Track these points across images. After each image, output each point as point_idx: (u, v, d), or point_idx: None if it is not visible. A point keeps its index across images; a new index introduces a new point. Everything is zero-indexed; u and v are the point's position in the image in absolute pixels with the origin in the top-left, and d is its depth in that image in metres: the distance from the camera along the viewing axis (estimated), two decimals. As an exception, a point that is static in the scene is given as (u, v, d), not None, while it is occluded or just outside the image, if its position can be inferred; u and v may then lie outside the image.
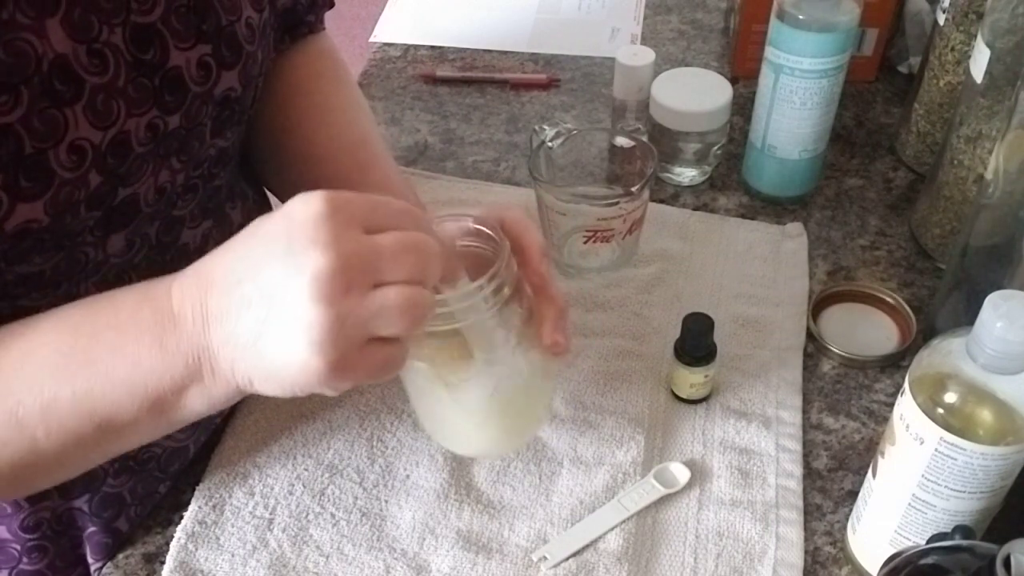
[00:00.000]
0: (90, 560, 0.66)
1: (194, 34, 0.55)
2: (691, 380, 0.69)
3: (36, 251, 0.51)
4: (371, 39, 1.11)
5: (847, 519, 0.62)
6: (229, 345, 0.45)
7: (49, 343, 0.47)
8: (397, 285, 0.44)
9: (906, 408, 0.52)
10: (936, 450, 0.50)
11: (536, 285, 0.56)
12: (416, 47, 1.10)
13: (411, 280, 0.44)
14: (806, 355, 0.74)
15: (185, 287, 0.46)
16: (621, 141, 0.81)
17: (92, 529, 0.65)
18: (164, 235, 0.60)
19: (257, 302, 0.44)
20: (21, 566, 0.64)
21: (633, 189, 0.75)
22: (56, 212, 0.50)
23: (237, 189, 0.69)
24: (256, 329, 0.44)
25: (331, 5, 0.76)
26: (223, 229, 0.66)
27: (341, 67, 0.76)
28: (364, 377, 0.45)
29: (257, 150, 0.73)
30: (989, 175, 0.66)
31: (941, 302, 0.73)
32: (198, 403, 0.48)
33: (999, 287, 0.49)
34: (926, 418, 0.50)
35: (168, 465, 0.67)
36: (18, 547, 0.63)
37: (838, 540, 0.63)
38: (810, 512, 0.65)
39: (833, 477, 0.67)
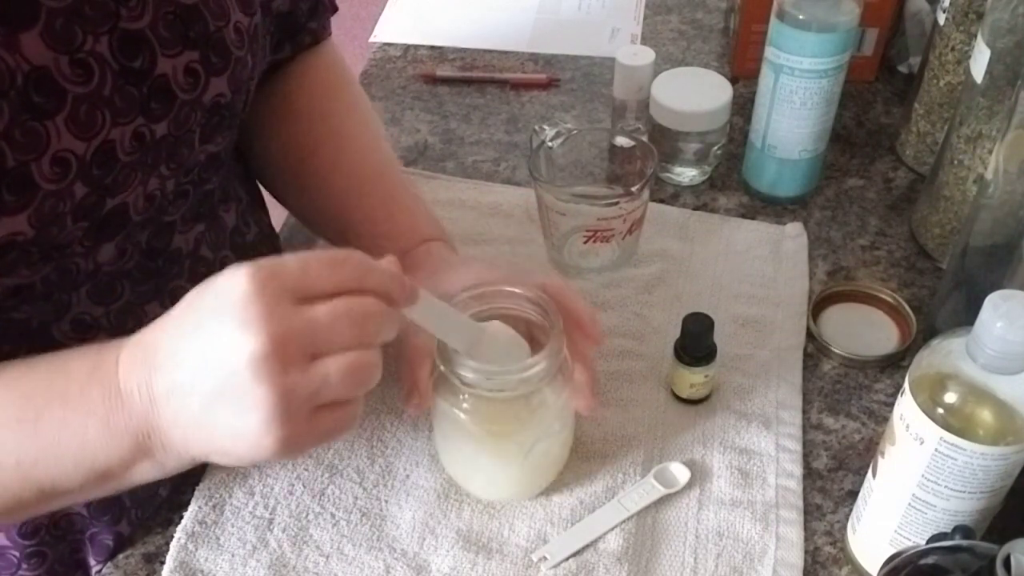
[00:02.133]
0: (92, 562, 0.66)
1: (181, 41, 0.54)
2: (691, 380, 0.69)
3: (23, 263, 0.51)
4: (371, 39, 1.11)
5: (847, 519, 0.62)
6: (179, 426, 0.45)
7: None
8: (337, 355, 0.44)
9: (906, 408, 0.52)
10: (936, 450, 0.50)
11: (581, 353, 0.59)
12: (416, 47, 1.10)
13: (351, 347, 0.44)
14: (806, 355, 0.74)
15: (132, 365, 0.46)
16: (621, 141, 0.81)
17: (94, 530, 0.65)
18: (155, 241, 0.59)
19: (200, 384, 0.44)
20: (20, 572, 0.64)
21: (633, 189, 0.75)
22: (41, 224, 0.49)
23: (230, 191, 0.69)
24: (203, 410, 0.44)
25: (335, 9, 0.76)
26: (216, 232, 0.66)
27: (349, 80, 0.76)
28: (316, 443, 0.46)
29: (271, 171, 0.72)
30: (989, 175, 0.66)
31: (941, 302, 0.73)
32: (149, 474, 0.48)
33: (999, 287, 0.49)
34: (926, 418, 0.50)
35: None
36: (17, 553, 0.63)
37: (838, 540, 0.63)
38: (810, 512, 0.65)
39: (833, 477, 0.67)
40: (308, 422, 0.44)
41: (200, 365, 0.44)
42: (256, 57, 0.62)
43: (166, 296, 0.60)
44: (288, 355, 0.43)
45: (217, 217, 0.66)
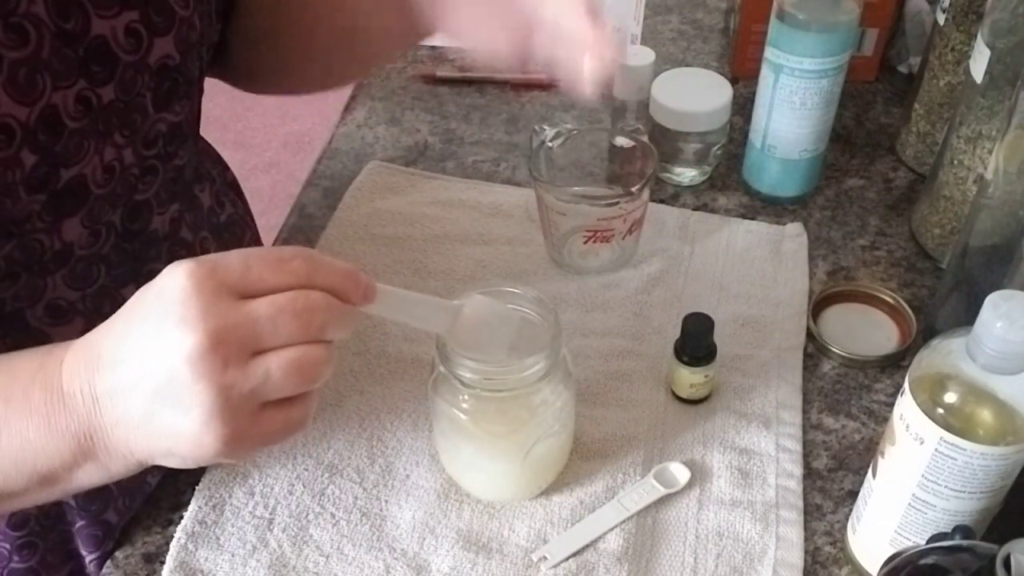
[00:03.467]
0: (83, 552, 0.66)
1: (118, 1, 0.53)
2: (691, 380, 0.69)
3: None
4: (371, 39, 1.11)
5: (847, 519, 0.62)
6: (121, 426, 0.45)
7: None
8: (280, 350, 0.43)
9: (906, 408, 0.52)
10: (936, 450, 0.50)
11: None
12: (416, 47, 1.10)
13: (296, 341, 0.44)
14: (806, 355, 0.74)
15: (75, 365, 0.45)
16: (621, 141, 0.81)
17: (81, 523, 0.65)
18: (130, 222, 0.58)
19: (141, 383, 0.43)
20: (12, 564, 0.64)
21: (633, 189, 0.75)
22: None
23: (203, 171, 0.68)
24: (145, 409, 0.44)
25: None
26: (194, 213, 0.65)
27: None
28: (263, 443, 0.45)
29: (257, 47, 0.69)
30: (989, 175, 0.66)
31: (941, 302, 0.73)
32: (95, 477, 0.48)
33: (999, 287, 0.49)
34: (926, 418, 0.50)
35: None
36: (7, 545, 0.63)
37: (838, 540, 0.63)
38: (810, 512, 0.65)
39: (833, 477, 0.67)
40: (252, 420, 0.44)
41: (140, 363, 0.43)
42: (206, 19, 0.60)
43: (143, 279, 0.60)
44: (227, 351, 0.42)
45: (193, 197, 0.65)
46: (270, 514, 0.64)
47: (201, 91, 0.65)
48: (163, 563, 0.62)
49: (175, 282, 0.43)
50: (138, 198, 0.59)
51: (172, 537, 0.63)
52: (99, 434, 0.45)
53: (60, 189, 0.52)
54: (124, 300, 0.58)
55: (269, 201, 0.74)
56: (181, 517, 0.64)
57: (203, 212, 0.66)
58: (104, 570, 0.63)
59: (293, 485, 0.66)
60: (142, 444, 0.45)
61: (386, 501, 0.65)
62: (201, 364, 0.42)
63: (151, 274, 0.59)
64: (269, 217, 0.81)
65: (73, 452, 0.46)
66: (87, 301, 0.57)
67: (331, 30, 0.66)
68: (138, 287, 0.59)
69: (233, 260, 0.44)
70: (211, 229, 0.66)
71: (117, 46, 0.53)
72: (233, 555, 0.62)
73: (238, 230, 0.71)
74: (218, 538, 0.63)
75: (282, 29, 0.68)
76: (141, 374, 0.43)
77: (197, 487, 0.66)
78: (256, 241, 0.76)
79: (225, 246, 0.68)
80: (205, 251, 0.65)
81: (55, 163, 0.51)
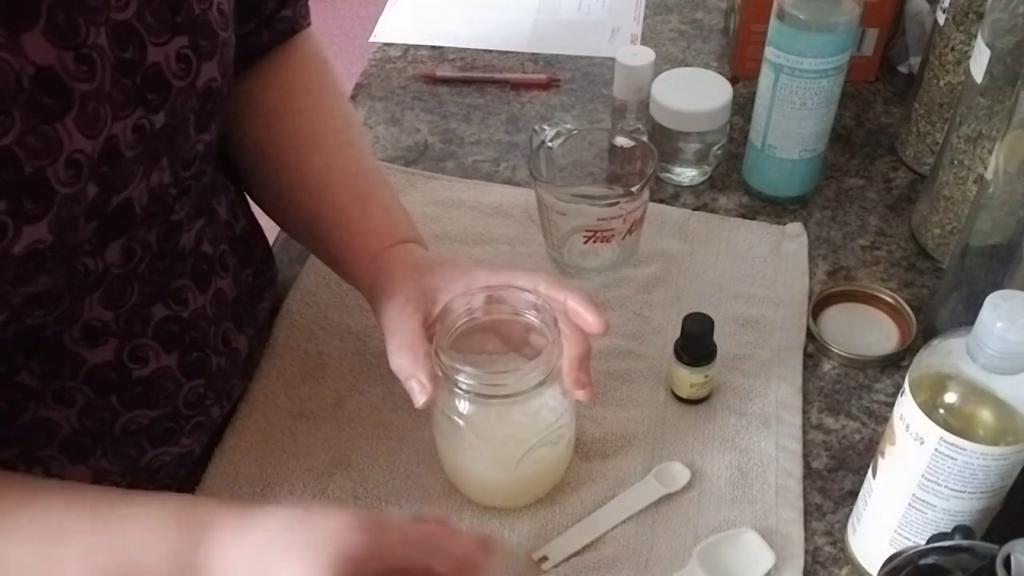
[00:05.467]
0: None
1: (169, 27, 0.53)
2: (691, 380, 0.69)
3: (41, 270, 0.50)
4: (371, 39, 1.11)
5: (847, 519, 0.63)
6: None
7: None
8: None
9: (906, 408, 0.52)
10: (936, 450, 0.50)
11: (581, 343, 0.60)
12: (416, 47, 1.10)
13: None
14: (806, 355, 0.74)
15: None
16: (621, 141, 0.81)
17: None
18: (164, 241, 0.59)
19: None
20: None
21: (633, 189, 0.75)
22: (59, 229, 0.49)
23: (220, 183, 0.68)
24: None
25: None
26: (214, 227, 0.65)
27: (329, 75, 0.74)
28: None
29: (244, 165, 0.71)
30: (989, 175, 0.66)
31: (941, 302, 0.73)
32: None
33: (999, 287, 0.49)
34: (926, 418, 0.50)
35: (176, 471, 0.66)
36: None
37: (838, 540, 0.63)
38: (810, 512, 0.65)
39: (833, 477, 0.67)
40: None
41: None
42: (233, 37, 0.61)
43: (169, 296, 0.60)
44: None
45: (213, 211, 0.65)
46: (270, 514, 0.64)
47: (228, 116, 0.66)
48: (163, 563, 0.62)
49: (346, 547, 0.46)
50: (173, 219, 0.59)
51: (172, 537, 0.63)
52: None
53: (109, 214, 0.53)
54: (153, 317, 0.59)
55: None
56: (181, 517, 0.64)
57: (220, 225, 0.66)
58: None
59: (294, 485, 0.66)
60: None
61: (386, 501, 0.65)
62: None
63: (176, 291, 0.61)
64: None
65: None
66: (120, 321, 0.58)
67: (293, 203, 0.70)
68: (165, 304, 0.60)
69: (398, 537, 0.49)
70: (229, 242, 0.67)
71: (170, 73, 0.54)
72: (233, 555, 0.62)
73: (251, 241, 0.71)
74: (218, 538, 0.63)
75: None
76: None
77: (198, 487, 0.66)
78: (267, 249, 0.76)
79: (240, 259, 0.68)
80: (224, 265, 0.65)
81: (110, 192, 0.52)
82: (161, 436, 0.62)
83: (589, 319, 0.59)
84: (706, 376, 0.69)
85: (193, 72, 0.55)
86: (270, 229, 0.82)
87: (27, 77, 0.45)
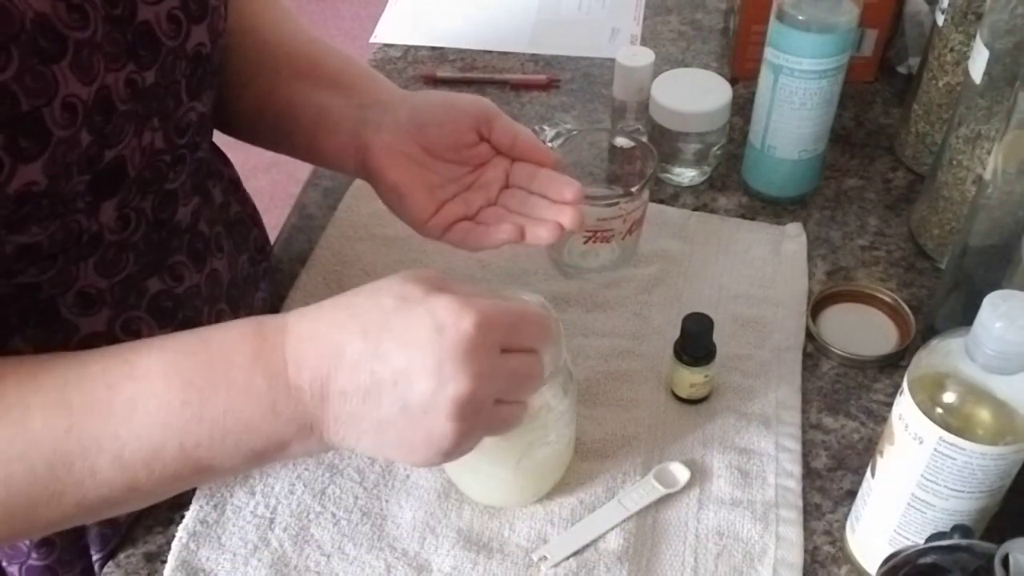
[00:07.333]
0: (92, 552, 0.66)
1: None
2: (691, 380, 0.69)
3: (34, 219, 0.51)
4: (371, 40, 1.11)
5: (846, 518, 0.63)
6: (345, 424, 0.49)
7: (158, 394, 0.49)
8: (508, 404, 0.51)
9: (905, 408, 0.52)
10: (935, 450, 0.51)
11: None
12: (416, 48, 1.10)
13: (515, 399, 0.52)
14: (806, 355, 0.75)
15: (303, 356, 0.49)
16: (621, 141, 0.81)
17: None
18: (160, 212, 0.60)
19: (388, 400, 0.48)
20: (30, 561, 0.64)
21: (633, 189, 0.75)
22: (52, 174, 0.50)
23: (214, 167, 0.70)
24: (381, 422, 0.48)
25: None
26: (209, 207, 0.67)
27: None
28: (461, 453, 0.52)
29: (236, 113, 0.72)
30: (988, 175, 0.66)
31: (940, 302, 0.74)
32: (301, 454, 0.52)
33: (998, 287, 0.50)
34: (925, 418, 0.50)
35: None
36: (27, 542, 0.64)
37: (837, 540, 0.63)
38: (810, 512, 0.65)
39: (832, 477, 0.67)
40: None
41: (396, 383, 0.48)
42: (226, 12, 0.63)
43: (165, 271, 0.61)
44: (484, 401, 0.49)
45: (208, 192, 0.67)
46: (271, 513, 0.64)
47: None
48: (164, 562, 0.62)
49: (462, 328, 0.47)
50: (168, 187, 0.60)
51: (174, 536, 0.63)
52: (319, 424, 0.49)
53: (102, 168, 0.54)
54: (148, 291, 0.60)
55: (269, 201, 0.73)
56: (182, 516, 0.64)
57: (215, 207, 0.68)
58: (106, 569, 0.63)
59: (294, 485, 0.66)
60: (366, 445, 0.50)
61: (387, 501, 0.65)
62: (464, 408, 0.47)
63: (172, 266, 0.62)
64: (269, 217, 0.81)
65: (292, 436, 0.50)
66: (114, 290, 0.59)
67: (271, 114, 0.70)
68: (160, 279, 0.60)
69: (505, 320, 0.50)
70: (224, 225, 0.69)
71: (160, 32, 0.55)
72: (234, 554, 0.62)
73: (245, 228, 0.73)
74: (219, 537, 0.63)
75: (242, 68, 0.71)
76: (395, 393, 0.48)
77: (198, 487, 0.66)
78: (263, 239, 0.77)
79: (235, 243, 0.71)
80: (219, 246, 0.67)
81: (103, 144, 0.53)
82: None
83: (540, 156, 0.65)
84: (706, 376, 0.69)
85: (183, 34, 0.57)
86: (271, 228, 0.83)
87: (28, 19, 0.47)
